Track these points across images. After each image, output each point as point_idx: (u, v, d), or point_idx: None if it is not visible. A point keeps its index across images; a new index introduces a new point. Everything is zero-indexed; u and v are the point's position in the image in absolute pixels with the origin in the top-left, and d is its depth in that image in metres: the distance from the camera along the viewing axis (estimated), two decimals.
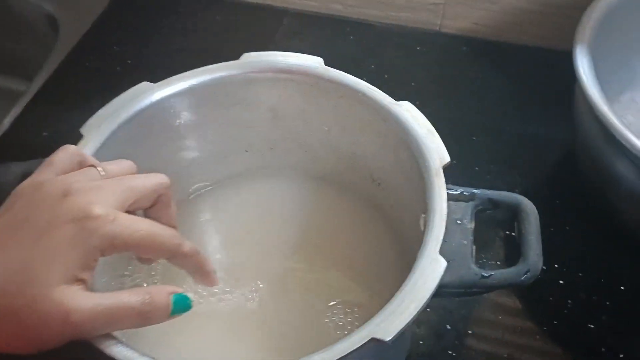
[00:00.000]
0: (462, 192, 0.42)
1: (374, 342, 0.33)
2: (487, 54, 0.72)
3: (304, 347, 0.36)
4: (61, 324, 0.31)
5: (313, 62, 0.48)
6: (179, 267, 0.38)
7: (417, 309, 0.35)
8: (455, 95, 0.68)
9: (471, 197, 0.41)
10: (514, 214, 0.41)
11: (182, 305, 0.34)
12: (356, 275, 0.51)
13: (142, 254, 0.37)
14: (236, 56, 0.48)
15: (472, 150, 0.62)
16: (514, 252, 0.40)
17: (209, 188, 0.54)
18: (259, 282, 0.49)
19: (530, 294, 0.51)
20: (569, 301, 0.51)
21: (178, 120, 0.49)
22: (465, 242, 0.40)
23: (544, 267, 0.40)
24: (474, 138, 0.64)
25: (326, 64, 0.48)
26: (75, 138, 0.42)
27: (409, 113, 0.44)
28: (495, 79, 0.69)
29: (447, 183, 0.40)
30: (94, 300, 0.32)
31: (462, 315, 0.51)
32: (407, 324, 0.34)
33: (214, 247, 0.52)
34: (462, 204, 0.41)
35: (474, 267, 0.38)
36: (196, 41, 0.74)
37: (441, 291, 0.37)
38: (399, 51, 0.73)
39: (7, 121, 0.65)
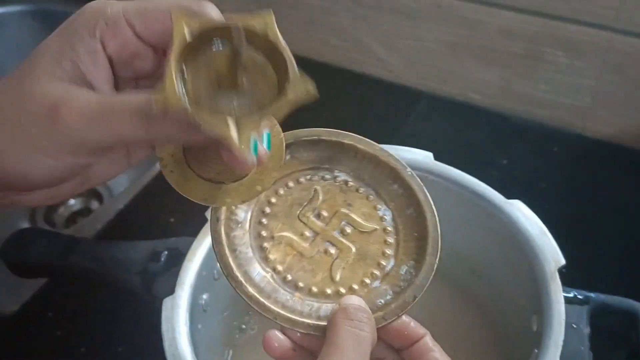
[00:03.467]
0: (576, 295, 0.42)
1: None
2: (629, 163, 0.70)
3: None
4: (50, 123, 0.27)
5: (422, 156, 0.49)
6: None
7: None
8: (588, 203, 0.67)
9: (586, 301, 0.42)
10: (631, 321, 0.41)
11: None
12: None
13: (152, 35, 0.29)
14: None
15: (593, 257, 0.61)
16: None
17: None
18: None
19: None
20: None
21: None
22: (582, 348, 0.39)
23: None
24: (597, 245, 0.62)
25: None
26: None
27: (520, 212, 0.45)
28: (632, 189, 0.67)
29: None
30: (88, 96, 0.27)
31: None
32: None
33: None
34: (577, 307, 0.41)
35: None
36: (333, 113, 0.75)
37: None
38: (534, 148, 0.72)
39: None
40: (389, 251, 0.34)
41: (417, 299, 0.32)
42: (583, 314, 0.41)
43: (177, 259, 0.44)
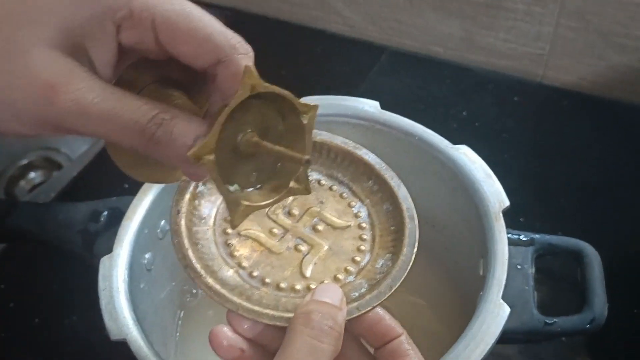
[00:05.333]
0: (521, 237, 0.42)
1: None
2: (589, 110, 0.70)
3: None
4: (41, 102, 0.23)
5: (369, 106, 0.48)
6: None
7: (482, 355, 0.34)
8: (548, 150, 0.67)
9: (531, 242, 0.41)
10: (576, 259, 0.41)
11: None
12: (410, 318, 0.51)
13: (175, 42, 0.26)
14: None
15: (554, 206, 0.61)
16: (576, 299, 0.40)
17: None
18: None
19: None
20: None
21: None
22: (526, 288, 0.39)
23: None
24: (562, 199, 0.62)
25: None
26: None
27: (466, 157, 0.44)
28: (593, 136, 0.67)
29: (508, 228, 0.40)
30: (90, 84, 0.24)
31: None
32: None
33: None
34: (522, 248, 0.41)
35: (536, 313, 0.38)
36: (294, 70, 0.75)
37: (504, 337, 0.36)
38: (495, 100, 0.72)
39: None
40: (364, 247, 0.33)
41: (393, 289, 0.31)
42: (528, 254, 0.41)
43: (119, 219, 0.43)
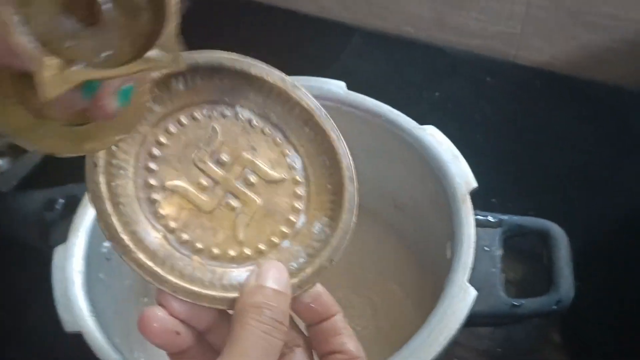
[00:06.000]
0: (489, 218, 0.41)
1: None
2: (562, 90, 0.69)
3: None
4: None
5: (335, 87, 0.47)
6: None
7: (447, 340, 0.34)
8: (522, 130, 0.66)
9: (499, 224, 0.40)
10: (543, 240, 0.40)
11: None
12: (377, 301, 0.51)
13: None
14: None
15: (527, 187, 0.61)
16: (543, 280, 0.39)
17: None
18: None
19: None
20: None
21: None
22: (493, 270, 0.38)
23: None
24: (535, 180, 0.62)
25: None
26: None
27: (433, 137, 0.43)
28: (566, 116, 0.66)
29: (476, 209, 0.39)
30: None
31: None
32: (437, 355, 0.33)
33: None
34: (490, 230, 0.40)
35: (503, 295, 0.37)
36: (264, 51, 0.73)
37: (470, 321, 0.35)
38: (468, 81, 0.71)
39: None
40: (299, 205, 0.30)
41: (333, 262, 0.29)
42: (496, 236, 0.40)
43: (75, 206, 0.41)
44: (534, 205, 0.58)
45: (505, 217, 0.41)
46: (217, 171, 0.29)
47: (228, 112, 0.30)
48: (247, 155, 0.30)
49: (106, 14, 0.23)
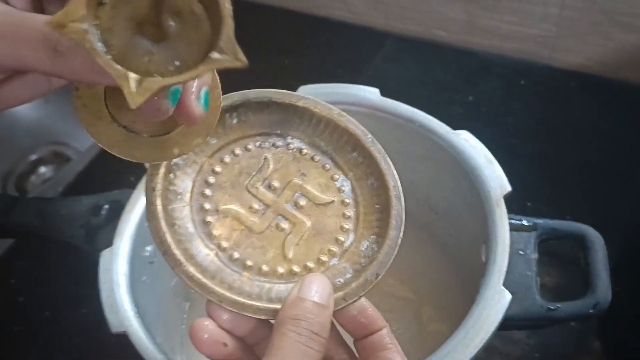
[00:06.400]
0: (523, 222, 0.41)
1: None
2: (597, 91, 0.68)
3: None
4: None
5: (370, 94, 0.48)
6: None
7: (483, 342, 0.34)
8: (556, 133, 0.65)
9: (534, 227, 0.41)
10: (579, 244, 0.40)
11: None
12: (412, 305, 0.51)
13: None
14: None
15: (562, 190, 0.60)
16: (580, 284, 0.39)
17: None
18: None
19: None
20: None
21: None
22: (529, 273, 0.39)
23: None
24: (570, 182, 0.61)
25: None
26: None
27: (467, 142, 0.44)
28: (601, 118, 0.66)
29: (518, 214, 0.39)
30: None
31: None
32: (472, 357, 0.33)
33: None
34: (524, 233, 0.41)
35: (539, 299, 0.37)
36: (297, 59, 0.75)
37: (506, 324, 0.36)
38: (501, 84, 0.71)
39: None
40: (347, 225, 0.31)
41: (379, 276, 0.30)
42: (531, 239, 0.40)
43: (119, 212, 0.43)
44: (569, 208, 0.58)
45: (540, 220, 0.41)
46: (268, 195, 0.31)
47: (280, 143, 0.32)
48: (297, 180, 0.32)
49: (172, 29, 0.25)
